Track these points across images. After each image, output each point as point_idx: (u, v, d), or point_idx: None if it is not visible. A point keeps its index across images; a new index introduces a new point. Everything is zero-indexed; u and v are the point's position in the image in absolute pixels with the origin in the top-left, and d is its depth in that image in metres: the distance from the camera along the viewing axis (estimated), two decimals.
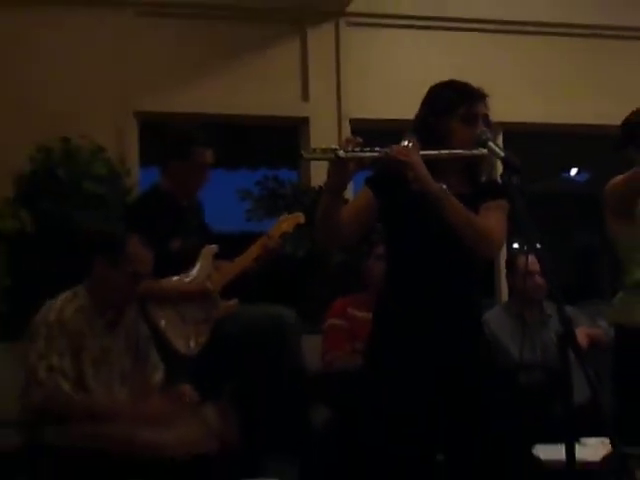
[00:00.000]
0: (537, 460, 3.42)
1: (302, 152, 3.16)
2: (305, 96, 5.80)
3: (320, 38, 5.83)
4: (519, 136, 5.96)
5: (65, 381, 3.32)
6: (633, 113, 3.55)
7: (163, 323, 4.00)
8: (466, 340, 3.00)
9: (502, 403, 3.00)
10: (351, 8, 5.77)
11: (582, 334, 4.54)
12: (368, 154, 2.87)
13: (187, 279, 4.12)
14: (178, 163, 4.18)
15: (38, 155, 4.81)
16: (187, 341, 4.02)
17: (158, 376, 3.70)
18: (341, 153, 2.80)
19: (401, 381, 2.93)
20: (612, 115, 5.84)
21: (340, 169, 2.81)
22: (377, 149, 2.87)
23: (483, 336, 3.16)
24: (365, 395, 3.07)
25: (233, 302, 4.17)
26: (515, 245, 5.30)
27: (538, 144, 6.78)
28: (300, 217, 4.34)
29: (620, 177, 3.43)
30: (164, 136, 4.39)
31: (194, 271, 4.14)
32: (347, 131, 5.62)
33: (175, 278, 4.09)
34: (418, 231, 2.98)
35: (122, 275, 3.51)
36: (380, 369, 3.02)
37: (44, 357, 3.33)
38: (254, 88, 5.68)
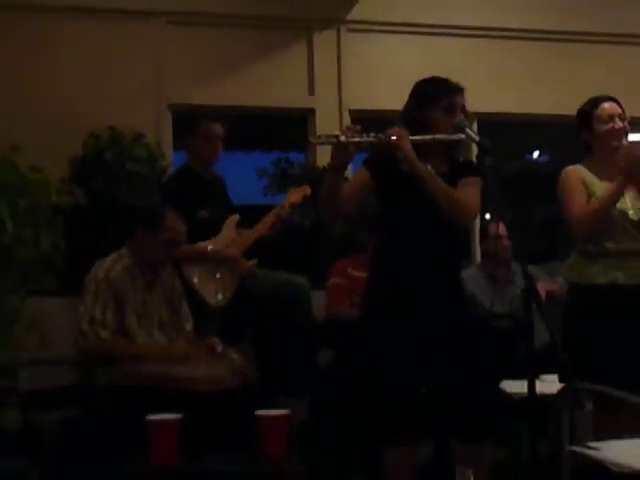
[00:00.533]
0: (504, 393, 3.43)
1: (310, 137, 3.19)
2: (311, 91, 5.77)
3: (324, 42, 5.80)
4: (490, 124, 5.93)
5: (104, 330, 3.34)
6: (586, 103, 3.53)
7: (196, 281, 4.00)
8: (448, 293, 3.01)
9: (476, 346, 3.01)
10: (350, 17, 5.73)
11: (542, 288, 4.55)
12: (365, 139, 2.87)
13: (214, 243, 4.11)
14: (189, 137, 4.19)
15: (89, 141, 4.81)
16: (216, 295, 4.02)
17: (189, 326, 3.71)
18: (342, 138, 2.80)
19: (392, 328, 2.94)
20: (564, 105, 5.82)
21: (341, 152, 2.81)
22: (372, 135, 2.87)
23: (461, 292, 3.17)
24: (361, 339, 3.08)
25: (253, 262, 4.16)
26: (487, 215, 5.30)
27: (506, 130, 6.76)
28: (307, 189, 4.30)
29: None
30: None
31: (220, 236, 4.14)
32: (347, 120, 5.58)
33: (204, 243, 4.07)
34: (408, 205, 2.98)
35: (159, 242, 3.52)
36: (374, 318, 3.02)
37: (88, 311, 3.36)
38: (269, 84, 5.65)
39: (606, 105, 3.47)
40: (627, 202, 3.36)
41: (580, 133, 3.53)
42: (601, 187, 3.39)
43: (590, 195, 3.40)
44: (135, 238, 3.56)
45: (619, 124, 3.43)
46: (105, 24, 5.35)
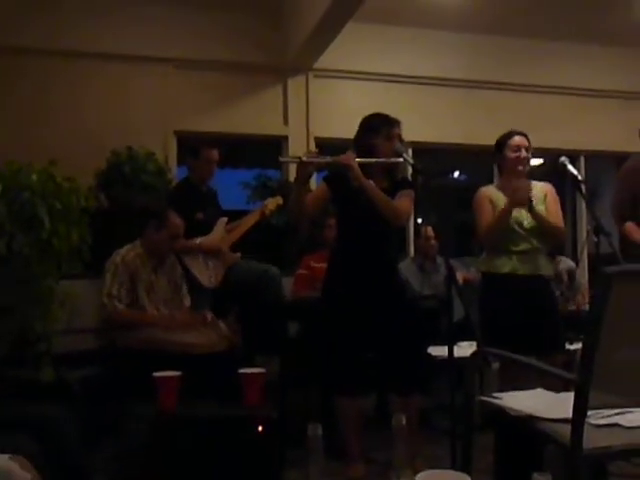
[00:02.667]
0: (430, 356, 3.45)
1: (279, 158, 3.19)
2: (286, 122, 5.75)
3: (296, 85, 5.78)
4: (423, 150, 5.97)
5: (119, 303, 3.34)
6: (502, 134, 3.54)
7: (193, 268, 3.96)
8: (388, 279, 3.02)
9: (409, 320, 3.02)
10: (316, 65, 5.71)
11: (460, 276, 4.59)
12: (321, 160, 2.87)
13: (208, 239, 4.08)
14: (192, 160, 4.15)
15: (111, 157, 4.75)
16: (209, 279, 4.00)
17: (187, 302, 3.69)
18: (304, 158, 2.80)
19: (344, 306, 2.94)
20: (476, 137, 5.96)
21: (303, 169, 2.82)
22: (328, 157, 2.88)
23: (398, 278, 3.18)
24: (321, 315, 3.08)
25: (237, 255, 4.15)
26: (419, 220, 5.32)
27: (434, 155, 6.81)
28: (280, 200, 4.32)
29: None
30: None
31: (212, 234, 4.11)
32: (313, 145, 5.60)
33: (200, 239, 4.04)
34: (357, 212, 2.99)
35: (164, 236, 3.50)
36: (331, 299, 3.03)
37: (107, 287, 3.36)
38: (252, 116, 5.62)
39: (516, 138, 3.49)
40: (523, 214, 3.39)
41: (495, 157, 3.56)
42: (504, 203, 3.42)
43: (495, 210, 3.43)
44: (145, 233, 3.53)
45: (524, 154, 3.45)
46: (124, 67, 5.30)
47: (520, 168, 3.43)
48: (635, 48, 6.47)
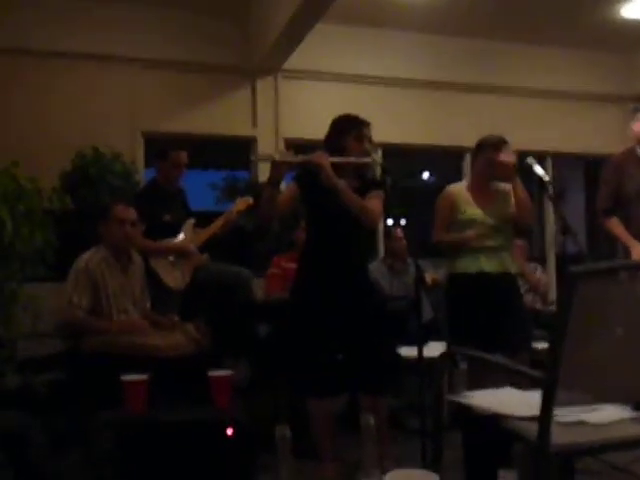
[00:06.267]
0: (400, 356, 3.46)
1: (251, 156, 3.17)
2: (254, 123, 5.74)
3: (264, 86, 5.78)
4: (394, 151, 6.01)
5: (79, 311, 3.27)
6: (489, 138, 3.48)
7: (160, 270, 3.92)
8: (358, 280, 3.02)
9: (379, 320, 3.03)
10: (285, 66, 5.71)
11: (429, 277, 4.61)
12: (294, 159, 2.86)
13: (175, 241, 4.05)
14: (160, 162, 4.11)
15: (76, 158, 4.70)
16: (176, 281, 3.95)
17: (148, 305, 3.64)
18: (277, 157, 2.79)
19: (314, 307, 2.94)
20: (443, 139, 6.02)
21: (276, 169, 2.80)
22: (301, 156, 2.87)
23: (368, 279, 3.18)
24: (291, 315, 3.07)
25: (206, 256, 4.12)
26: (389, 220, 5.35)
27: (404, 156, 6.85)
28: (250, 200, 4.26)
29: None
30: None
31: (180, 236, 4.07)
32: (282, 146, 5.59)
33: (167, 240, 4.01)
34: (327, 212, 2.98)
35: (112, 226, 3.43)
36: (301, 300, 3.01)
37: (68, 294, 3.28)
38: (221, 117, 5.61)
39: (509, 145, 3.48)
40: (487, 211, 3.42)
41: (474, 158, 3.56)
42: (469, 204, 3.44)
43: (455, 214, 3.43)
44: (100, 232, 3.48)
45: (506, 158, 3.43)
46: (91, 67, 5.25)
47: (491, 171, 3.41)
48: (602, 52, 6.60)
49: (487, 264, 3.39)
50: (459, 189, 3.52)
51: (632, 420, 2.14)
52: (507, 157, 3.34)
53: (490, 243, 3.42)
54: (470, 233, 3.38)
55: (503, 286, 3.37)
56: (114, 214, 3.45)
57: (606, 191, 3.99)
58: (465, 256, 3.43)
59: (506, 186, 3.48)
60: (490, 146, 3.40)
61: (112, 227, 3.43)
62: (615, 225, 3.90)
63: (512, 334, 3.28)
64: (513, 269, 3.45)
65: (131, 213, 3.50)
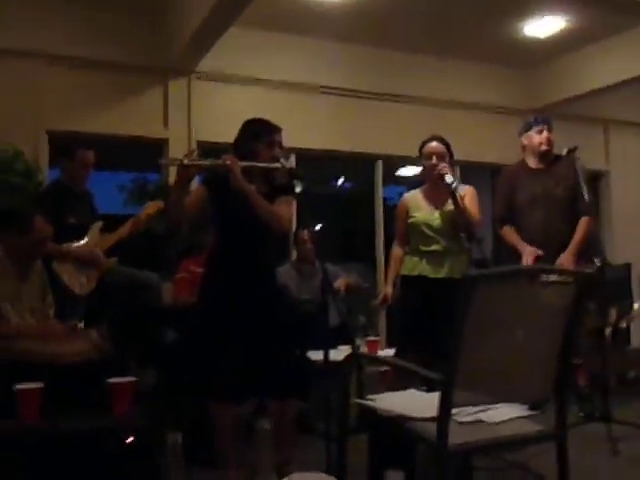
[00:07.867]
0: (309, 360, 3.46)
1: (160, 160, 3.09)
2: (166, 125, 5.61)
3: (177, 87, 5.66)
4: (307, 157, 6.02)
5: None
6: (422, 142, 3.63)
7: (64, 274, 3.80)
8: (264, 285, 3.00)
9: (286, 324, 3.02)
10: (199, 68, 5.63)
11: (343, 282, 4.67)
12: (203, 162, 2.82)
13: (80, 244, 3.92)
14: (66, 161, 3.99)
15: None
16: (81, 286, 3.84)
17: (52, 312, 3.46)
18: (185, 161, 2.74)
19: (220, 312, 2.90)
20: (358, 145, 6.10)
21: (184, 172, 2.75)
22: (210, 160, 2.83)
23: (276, 283, 3.16)
24: (197, 319, 3.01)
25: (113, 260, 4.01)
26: (301, 227, 5.35)
27: (318, 162, 6.88)
28: (160, 204, 4.18)
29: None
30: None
31: (86, 239, 3.95)
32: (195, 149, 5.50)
33: (72, 244, 3.87)
34: (235, 215, 2.95)
35: (29, 241, 3.27)
36: (206, 303, 2.97)
37: None
38: (132, 118, 5.45)
39: (431, 144, 3.58)
40: (433, 215, 3.53)
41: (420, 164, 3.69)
42: (417, 209, 3.59)
43: (409, 218, 3.60)
44: (7, 238, 3.30)
45: (436, 161, 3.50)
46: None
47: (435, 174, 3.47)
48: (505, 67, 6.88)
49: (427, 269, 3.47)
50: (413, 195, 3.67)
51: (527, 418, 2.23)
52: (429, 161, 3.49)
53: (435, 247, 3.50)
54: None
55: (440, 292, 3.37)
56: (34, 228, 3.27)
57: (501, 201, 4.18)
58: (412, 256, 3.53)
59: (464, 188, 3.58)
60: (420, 152, 3.60)
61: (24, 243, 3.25)
62: (509, 232, 4.09)
63: (443, 338, 3.33)
64: (459, 274, 3.44)
65: (49, 231, 3.36)
